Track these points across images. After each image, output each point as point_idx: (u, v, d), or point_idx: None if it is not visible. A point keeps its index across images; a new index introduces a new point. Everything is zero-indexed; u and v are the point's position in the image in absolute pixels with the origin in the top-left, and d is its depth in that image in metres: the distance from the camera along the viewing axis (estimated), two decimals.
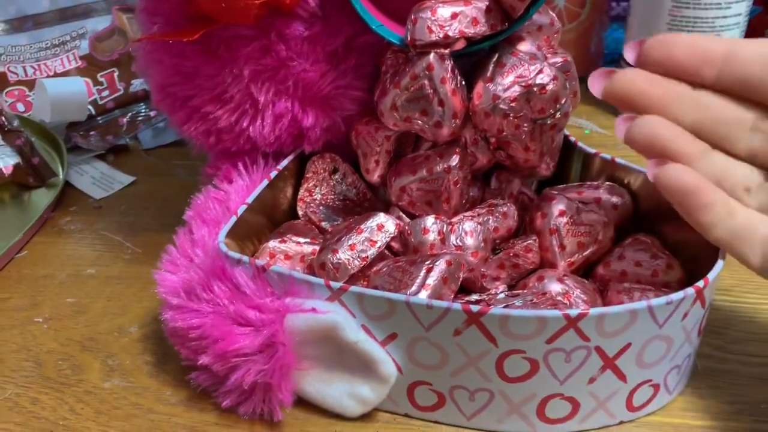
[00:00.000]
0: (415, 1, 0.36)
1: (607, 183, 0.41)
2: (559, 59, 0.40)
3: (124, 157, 0.60)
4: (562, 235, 0.37)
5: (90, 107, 0.61)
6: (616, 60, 0.70)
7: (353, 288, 0.31)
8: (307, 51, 0.38)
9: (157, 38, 0.36)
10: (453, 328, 0.30)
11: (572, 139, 0.43)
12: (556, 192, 0.39)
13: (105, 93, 0.62)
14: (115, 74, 0.62)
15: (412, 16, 0.35)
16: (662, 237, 0.39)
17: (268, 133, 0.40)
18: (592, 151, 0.42)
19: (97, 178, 0.56)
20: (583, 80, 0.69)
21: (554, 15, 0.40)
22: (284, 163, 0.41)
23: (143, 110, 0.62)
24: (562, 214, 0.38)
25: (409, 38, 0.35)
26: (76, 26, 0.61)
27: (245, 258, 0.33)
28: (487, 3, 0.35)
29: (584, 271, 0.39)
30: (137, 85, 0.62)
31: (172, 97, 0.40)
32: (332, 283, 0.31)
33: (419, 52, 0.35)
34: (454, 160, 0.37)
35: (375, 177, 0.41)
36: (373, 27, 0.36)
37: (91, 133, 0.60)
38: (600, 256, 0.38)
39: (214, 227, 0.37)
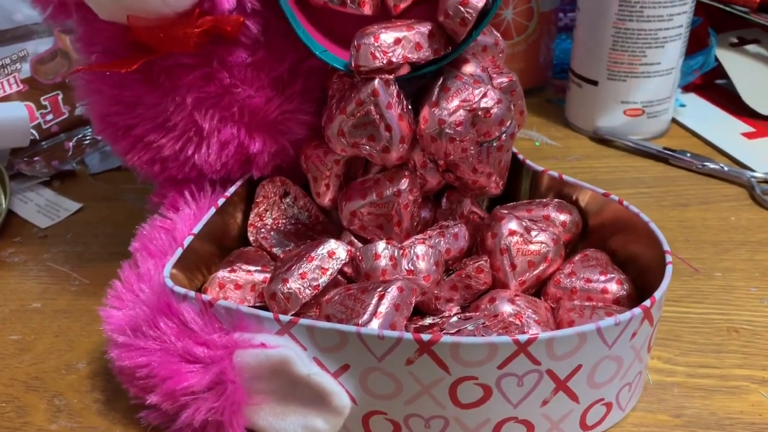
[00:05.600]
0: (359, 25, 0.36)
1: (556, 200, 0.41)
2: (504, 79, 0.40)
3: (70, 183, 0.59)
4: (512, 255, 0.38)
5: (33, 132, 0.59)
6: (565, 70, 0.71)
7: (303, 321, 0.31)
8: (252, 77, 0.37)
9: (95, 69, 0.35)
10: (405, 357, 0.30)
11: (520, 157, 0.43)
12: (505, 211, 0.39)
13: (49, 117, 0.60)
14: (60, 97, 0.60)
15: (356, 42, 0.34)
16: (611, 251, 0.40)
17: (214, 161, 0.39)
18: (540, 168, 0.43)
19: (42, 206, 0.55)
20: (532, 91, 0.70)
21: (498, 35, 0.41)
22: (232, 189, 0.41)
23: (89, 133, 0.60)
24: (512, 233, 0.38)
25: (353, 64, 0.35)
26: (17, 48, 0.59)
27: (191, 293, 0.32)
28: (430, 27, 0.35)
29: (536, 288, 0.39)
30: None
31: (113, 127, 0.39)
32: (281, 317, 0.31)
33: (364, 78, 0.35)
34: (404, 184, 0.37)
35: (326, 200, 0.41)
36: (317, 53, 0.36)
37: (36, 158, 0.59)
38: (551, 274, 0.39)
39: (160, 259, 0.36)
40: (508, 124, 0.36)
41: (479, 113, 0.35)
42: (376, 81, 0.34)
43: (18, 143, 0.56)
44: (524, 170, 0.43)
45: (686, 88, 0.69)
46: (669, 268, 0.33)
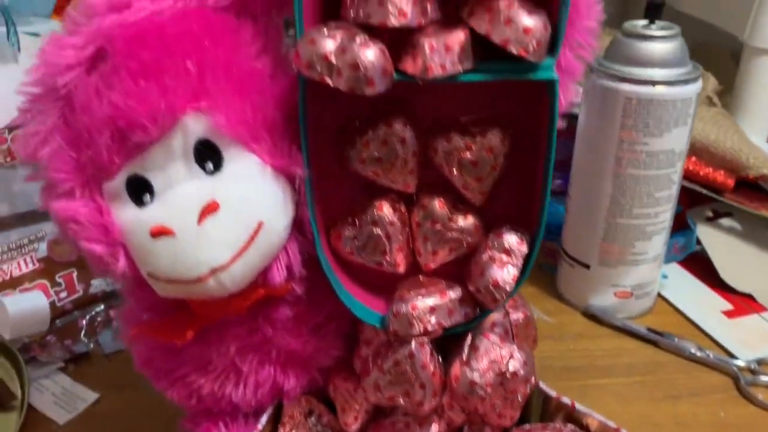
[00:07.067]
0: (393, 277, 0.39)
1: (570, 426, 0.44)
2: (520, 315, 0.43)
3: (85, 367, 0.59)
4: None
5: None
6: (553, 231, 0.75)
7: None
8: (292, 327, 0.40)
9: (148, 335, 0.38)
10: None
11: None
12: None
13: (63, 294, 0.61)
14: (74, 275, 0.62)
15: (394, 309, 0.37)
16: None
17: (250, 398, 0.41)
18: (553, 394, 0.46)
19: (59, 396, 0.56)
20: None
21: None
22: (263, 420, 0.43)
23: (102, 311, 0.62)
24: None
25: (391, 329, 0.37)
26: (35, 229, 0.61)
27: None
28: (461, 293, 0.38)
29: None
30: (97, 285, 0.62)
31: (155, 369, 0.41)
32: None
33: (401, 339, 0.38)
34: (434, 430, 0.40)
35: (353, 429, 0.43)
36: (358, 315, 0.39)
37: (49, 337, 0.60)
38: None
39: None
40: (532, 380, 0.39)
41: (507, 375, 0.38)
42: (413, 345, 0.37)
43: (36, 331, 0.58)
44: (535, 393, 0.46)
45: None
46: None
